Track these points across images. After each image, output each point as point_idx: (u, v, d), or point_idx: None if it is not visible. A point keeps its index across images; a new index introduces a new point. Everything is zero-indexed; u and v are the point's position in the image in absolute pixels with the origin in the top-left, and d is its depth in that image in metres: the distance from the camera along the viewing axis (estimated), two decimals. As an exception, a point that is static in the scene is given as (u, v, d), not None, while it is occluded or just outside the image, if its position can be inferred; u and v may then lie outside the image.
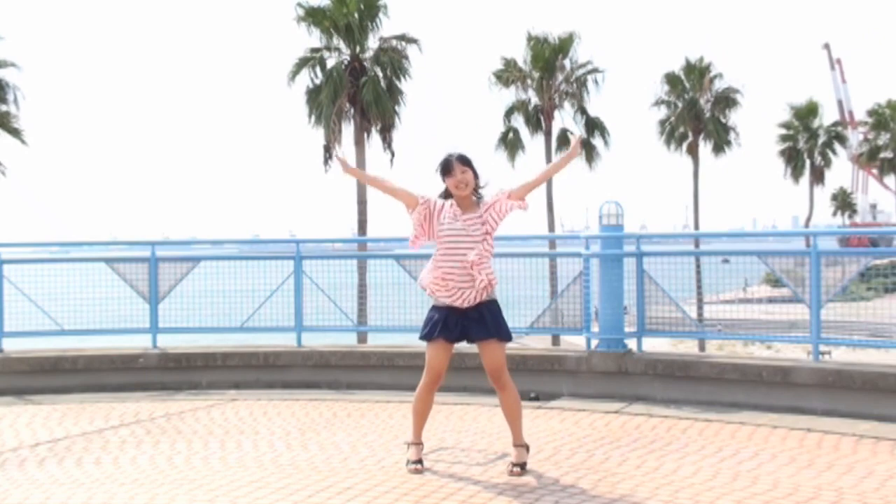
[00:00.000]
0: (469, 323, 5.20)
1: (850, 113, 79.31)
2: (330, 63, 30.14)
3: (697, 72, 42.52)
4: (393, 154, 30.24)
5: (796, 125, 50.75)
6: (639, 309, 8.08)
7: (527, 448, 5.30)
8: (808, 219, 52.75)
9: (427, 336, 5.27)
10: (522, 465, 5.20)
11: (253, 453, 5.80)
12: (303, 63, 30.06)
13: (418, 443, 5.34)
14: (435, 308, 5.29)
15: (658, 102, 43.43)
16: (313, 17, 30.00)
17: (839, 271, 7.47)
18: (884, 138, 59.73)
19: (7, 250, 9.43)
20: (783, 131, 51.00)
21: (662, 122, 43.25)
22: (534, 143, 37.94)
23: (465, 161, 5.25)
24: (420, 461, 5.26)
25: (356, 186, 29.22)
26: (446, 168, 5.25)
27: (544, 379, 8.10)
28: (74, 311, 9.23)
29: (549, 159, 36.62)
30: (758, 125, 61.69)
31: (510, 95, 37.54)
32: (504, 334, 5.28)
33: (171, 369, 8.95)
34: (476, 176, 5.28)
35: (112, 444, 6.18)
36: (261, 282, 9.52)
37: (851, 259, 7.58)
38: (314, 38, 30.43)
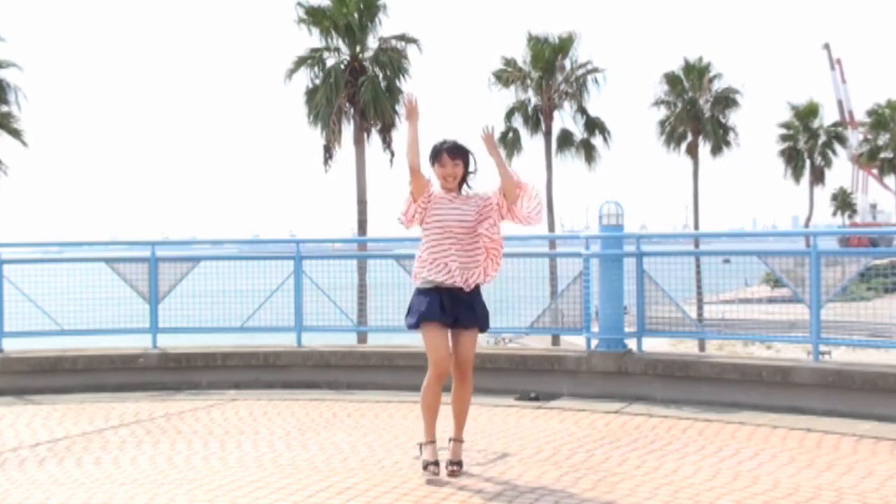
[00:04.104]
0: (459, 309, 5.11)
1: (850, 113, 79.14)
2: (329, 63, 30.14)
3: (697, 72, 42.50)
4: (393, 154, 30.22)
5: (796, 125, 50.72)
6: (639, 309, 8.08)
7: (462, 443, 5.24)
8: (808, 219, 52.71)
9: (423, 318, 5.05)
10: (460, 463, 5.15)
11: (253, 453, 5.80)
12: (301, 62, 30.03)
13: (432, 441, 5.16)
14: (422, 292, 5.13)
15: (658, 102, 43.41)
16: (313, 16, 29.98)
17: (839, 271, 7.47)
18: (884, 138, 59.68)
19: (7, 250, 9.43)
20: (783, 131, 50.98)
21: (662, 123, 43.23)
22: (533, 144, 37.96)
23: (456, 152, 5.18)
24: (436, 462, 5.08)
25: (356, 186, 29.23)
26: (435, 156, 5.20)
27: (544, 379, 8.10)
28: (74, 311, 9.22)
29: (548, 159, 36.63)
30: (758, 125, 61.76)
31: (510, 95, 37.57)
32: (486, 324, 5.29)
33: (171, 369, 8.94)
34: (467, 166, 5.22)
35: (112, 444, 6.18)
36: (261, 282, 9.52)
37: (851, 259, 7.58)
38: (314, 39, 30.46)
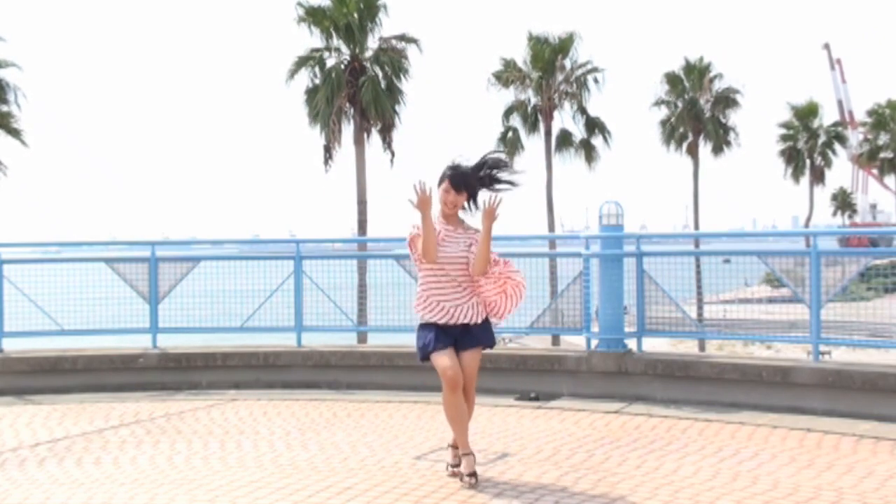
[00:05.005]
0: (457, 333, 5.17)
1: (850, 113, 79.14)
2: (330, 63, 30.14)
3: (697, 72, 42.49)
4: (393, 154, 30.23)
5: (796, 125, 50.71)
6: (639, 309, 8.07)
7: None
8: (808, 219, 52.70)
9: (425, 351, 5.15)
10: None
11: (253, 453, 5.80)
12: (302, 62, 30.02)
13: (467, 452, 5.08)
14: (424, 327, 5.21)
15: (658, 102, 43.40)
16: (313, 16, 29.97)
17: (839, 271, 7.47)
18: (884, 138, 59.62)
19: (7, 250, 9.42)
20: (783, 131, 50.97)
21: (662, 123, 43.23)
22: (532, 144, 37.95)
23: (462, 184, 5.14)
24: (473, 473, 5.01)
25: (356, 186, 29.22)
26: (442, 180, 5.18)
27: (544, 379, 8.10)
28: (74, 311, 9.22)
29: (548, 159, 36.61)
30: (758, 125, 61.72)
31: (510, 95, 37.55)
32: (488, 340, 5.28)
33: (171, 369, 8.94)
34: (470, 196, 5.20)
35: (112, 444, 6.18)
36: (261, 282, 9.51)
37: (851, 259, 7.58)
38: (314, 39, 30.45)
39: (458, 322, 5.14)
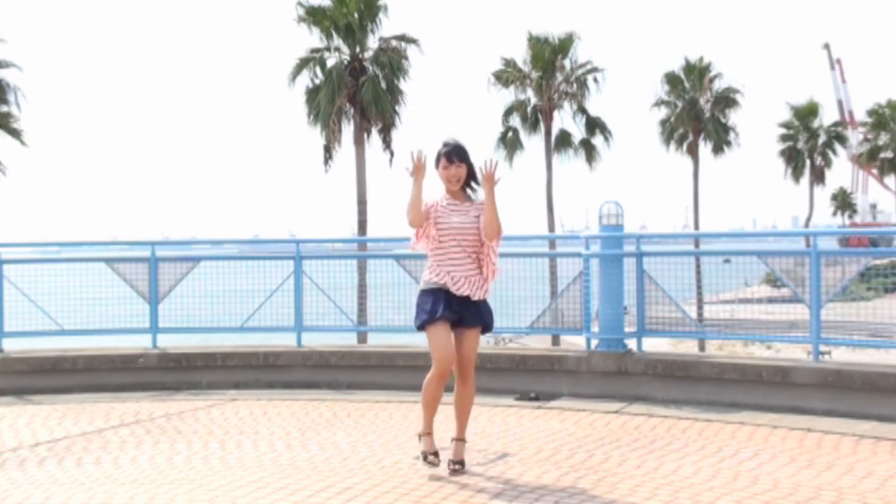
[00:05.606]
0: (464, 308, 5.20)
1: (850, 113, 79.13)
2: (330, 63, 30.15)
3: (697, 72, 42.47)
4: (392, 154, 30.24)
5: (796, 125, 50.71)
6: (639, 309, 8.07)
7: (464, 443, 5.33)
8: (808, 219, 52.73)
9: (430, 318, 5.11)
10: (462, 463, 5.23)
11: (253, 453, 5.80)
12: (303, 64, 30.06)
13: (430, 432, 5.24)
14: (428, 292, 5.20)
15: (658, 103, 43.36)
16: (313, 16, 29.99)
17: (839, 271, 7.47)
18: (884, 138, 59.61)
19: (7, 250, 9.43)
20: (783, 131, 50.96)
21: (662, 123, 43.21)
22: (532, 143, 37.95)
23: (460, 155, 5.28)
24: (436, 453, 5.20)
25: (356, 186, 29.23)
26: (438, 159, 5.30)
27: (544, 379, 8.10)
28: (74, 311, 9.22)
29: (548, 159, 36.62)
30: (758, 125, 61.69)
31: (510, 95, 37.55)
32: (490, 324, 5.36)
33: (171, 369, 8.94)
34: (470, 168, 5.31)
35: (112, 444, 6.18)
36: (261, 282, 9.52)
37: (851, 259, 7.58)
38: (314, 39, 30.48)
39: (463, 293, 5.18)
